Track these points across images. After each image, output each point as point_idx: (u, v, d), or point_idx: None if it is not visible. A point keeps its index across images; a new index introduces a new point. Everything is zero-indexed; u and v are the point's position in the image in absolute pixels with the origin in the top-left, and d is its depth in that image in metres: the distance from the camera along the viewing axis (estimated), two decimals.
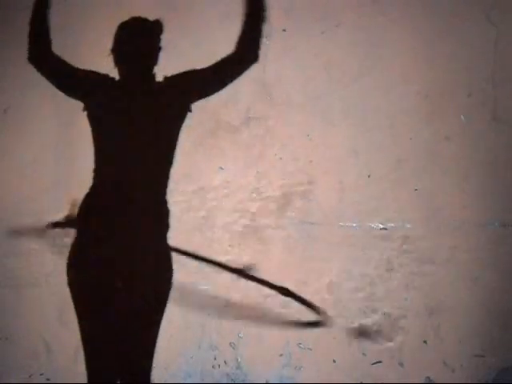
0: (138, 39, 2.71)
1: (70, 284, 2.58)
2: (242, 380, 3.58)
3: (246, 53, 2.84)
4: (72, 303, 3.36)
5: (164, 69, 3.02)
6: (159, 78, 2.81)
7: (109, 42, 2.92)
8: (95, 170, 2.64)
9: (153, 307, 2.58)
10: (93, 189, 2.62)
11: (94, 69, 3.04)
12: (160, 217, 2.63)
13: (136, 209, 2.57)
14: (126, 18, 2.74)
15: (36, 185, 3.66)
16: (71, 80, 2.74)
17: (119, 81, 2.70)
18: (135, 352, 2.57)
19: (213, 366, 3.60)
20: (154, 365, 2.67)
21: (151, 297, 2.57)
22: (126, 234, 2.54)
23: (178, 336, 3.46)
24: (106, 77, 2.73)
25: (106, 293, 2.52)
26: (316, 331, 3.55)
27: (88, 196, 2.62)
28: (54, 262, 3.52)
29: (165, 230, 2.63)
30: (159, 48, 2.76)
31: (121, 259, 2.54)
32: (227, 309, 3.58)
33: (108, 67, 3.03)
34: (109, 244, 2.54)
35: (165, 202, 2.65)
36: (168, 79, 2.72)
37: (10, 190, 3.72)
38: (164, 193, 2.64)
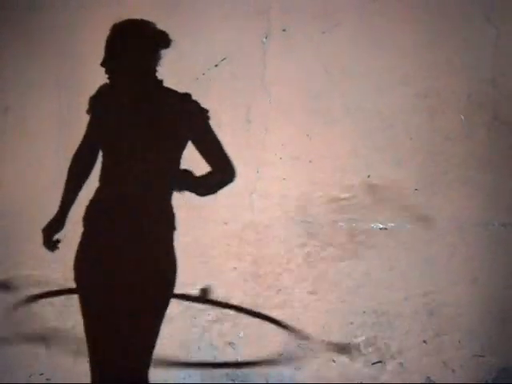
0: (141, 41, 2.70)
1: (76, 279, 2.61)
2: (242, 380, 3.57)
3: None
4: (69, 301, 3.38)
5: (164, 69, 3.01)
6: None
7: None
8: (100, 175, 2.65)
9: (153, 308, 2.59)
10: (98, 191, 2.64)
11: (95, 69, 3.03)
12: (165, 220, 2.64)
13: (140, 212, 2.58)
14: (126, 17, 2.73)
15: (36, 185, 3.66)
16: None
17: (127, 85, 2.68)
18: (133, 351, 2.58)
19: (213, 366, 3.60)
20: (153, 365, 2.67)
21: (152, 297, 2.57)
22: (130, 235, 2.56)
23: (178, 336, 3.46)
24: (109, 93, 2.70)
25: (107, 290, 2.54)
26: (317, 331, 3.55)
27: (94, 198, 2.64)
28: (53, 262, 3.53)
29: (170, 233, 2.64)
30: (157, 58, 2.73)
31: (124, 259, 2.55)
32: (227, 309, 3.58)
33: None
34: (113, 244, 2.56)
35: (170, 206, 2.66)
36: (182, 99, 2.69)
37: (11, 190, 3.72)
38: (170, 197, 2.65)
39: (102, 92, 2.71)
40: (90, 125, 2.74)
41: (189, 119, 2.66)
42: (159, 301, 2.60)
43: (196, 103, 2.70)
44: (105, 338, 2.56)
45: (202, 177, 2.65)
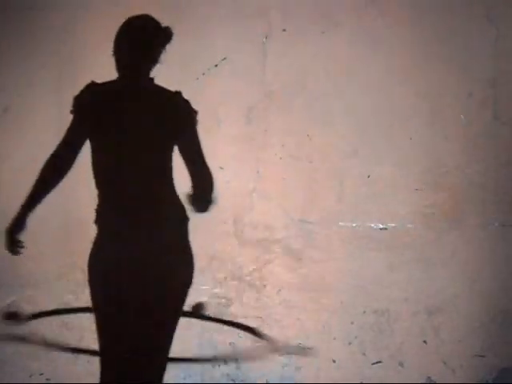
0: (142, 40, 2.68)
1: (90, 281, 2.58)
2: (242, 380, 3.57)
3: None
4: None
5: (163, 69, 3.01)
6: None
7: (108, 42, 2.90)
8: (100, 171, 2.63)
9: (169, 306, 2.58)
10: (103, 194, 2.61)
11: (95, 69, 3.05)
12: (177, 211, 2.62)
13: (150, 207, 2.56)
14: (126, 17, 2.73)
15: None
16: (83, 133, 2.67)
17: (116, 82, 2.67)
18: (149, 351, 2.56)
19: (213, 366, 3.59)
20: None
21: (168, 296, 2.56)
22: (142, 232, 2.54)
23: (178, 336, 3.46)
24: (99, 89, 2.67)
25: (123, 291, 2.52)
26: (316, 331, 3.55)
27: (101, 203, 2.62)
28: (54, 263, 3.54)
29: (183, 226, 2.62)
30: (159, 53, 2.71)
31: (139, 257, 2.52)
32: (227, 309, 3.58)
33: (108, 66, 3.02)
34: (127, 243, 2.53)
35: (178, 198, 2.63)
36: (174, 98, 2.66)
37: (10, 190, 3.72)
38: (174, 190, 2.63)
39: (88, 91, 2.66)
40: (74, 125, 2.61)
41: (177, 119, 2.62)
42: (177, 297, 2.58)
43: (186, 102, 2.66)
44: (120, 339, 2.53)
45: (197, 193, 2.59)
